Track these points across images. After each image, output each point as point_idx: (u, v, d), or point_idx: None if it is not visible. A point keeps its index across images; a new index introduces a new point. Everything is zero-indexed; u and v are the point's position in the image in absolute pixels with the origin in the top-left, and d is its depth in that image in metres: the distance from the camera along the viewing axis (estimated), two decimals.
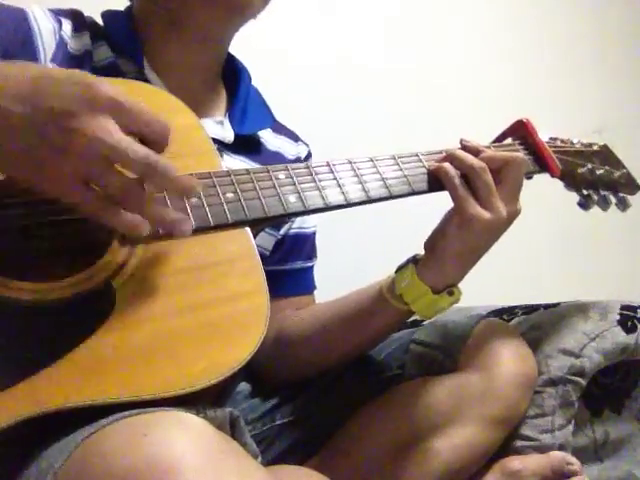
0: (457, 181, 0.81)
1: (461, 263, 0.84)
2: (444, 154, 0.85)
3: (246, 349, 0.62)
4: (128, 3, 0.93)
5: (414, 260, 0.85)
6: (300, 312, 0.99)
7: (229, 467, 0.49)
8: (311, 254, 1.05)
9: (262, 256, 0.92)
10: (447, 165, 0.82)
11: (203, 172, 0.71)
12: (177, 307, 0.63)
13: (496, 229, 0.82)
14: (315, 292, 1.06)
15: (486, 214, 0.80)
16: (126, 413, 0.53)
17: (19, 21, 0.80)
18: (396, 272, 0.87)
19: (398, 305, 0.85)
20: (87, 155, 0.55)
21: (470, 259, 0.84)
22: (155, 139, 0.60)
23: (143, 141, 0.59)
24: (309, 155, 1.06)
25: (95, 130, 0.55)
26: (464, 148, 0.85)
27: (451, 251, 0.82)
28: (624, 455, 0.99)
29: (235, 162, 0.91)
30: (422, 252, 0.86)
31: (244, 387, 1.01)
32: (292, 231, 1.01)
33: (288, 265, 1.01)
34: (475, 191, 0.81)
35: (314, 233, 1.06)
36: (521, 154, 0.86)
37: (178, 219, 0.62)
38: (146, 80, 0.85)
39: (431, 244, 0.85)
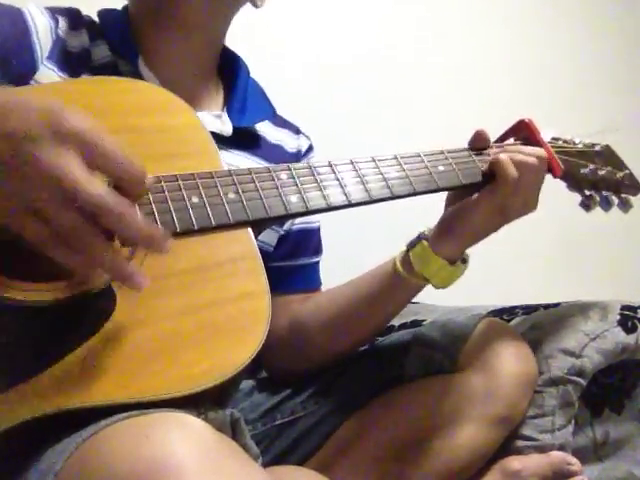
0: (512, 171, 0.84)
1: (478, 239, 0.88)
2: (494, 147, 0.88)
3: (248, 350, 0.62)
4: (125, 2, 0.93)
5: (424, 237, 0.88)
6: (315, 297, 0.99)
7: (229, 469, 0.49)
8: (317, 249, 1.05)
9: (266, 252, 0.93)
10: (505, 157, 0.85)
11: (204, 172, 0.70)
12: (179, 308, 0.62)
13: (520, 217, 0.88)
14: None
15: (524, 207, 0.86)
16: (126, 414, 0.53)
17: (15, 19, 0.80)
18: (408, 251, 0.89)
19: (416, 280, 0.88)
20: (37, 185, 0.51)
21: (486, 236, 0.88)
22: (129, 183, 0.55)
23: (117, 186, 0.55)
24: (310, 148, 1.05)
25: (51, 161, 0.51)
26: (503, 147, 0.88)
27: (474, 230, 0.87)
28: (624, 455, 0.99)
29: (234, 157, 0.90)
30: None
31: (245, 384, 1.01)
32: (297, 226, 1.00)
33: (295, 261, 1.01)
34: (522, 183, 0.84)
35: (319, 228, 1.05)
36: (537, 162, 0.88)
37: (133, 273, 0.56)
38: (140, 77, 0.85)
39: (449, 222, 0.88)
